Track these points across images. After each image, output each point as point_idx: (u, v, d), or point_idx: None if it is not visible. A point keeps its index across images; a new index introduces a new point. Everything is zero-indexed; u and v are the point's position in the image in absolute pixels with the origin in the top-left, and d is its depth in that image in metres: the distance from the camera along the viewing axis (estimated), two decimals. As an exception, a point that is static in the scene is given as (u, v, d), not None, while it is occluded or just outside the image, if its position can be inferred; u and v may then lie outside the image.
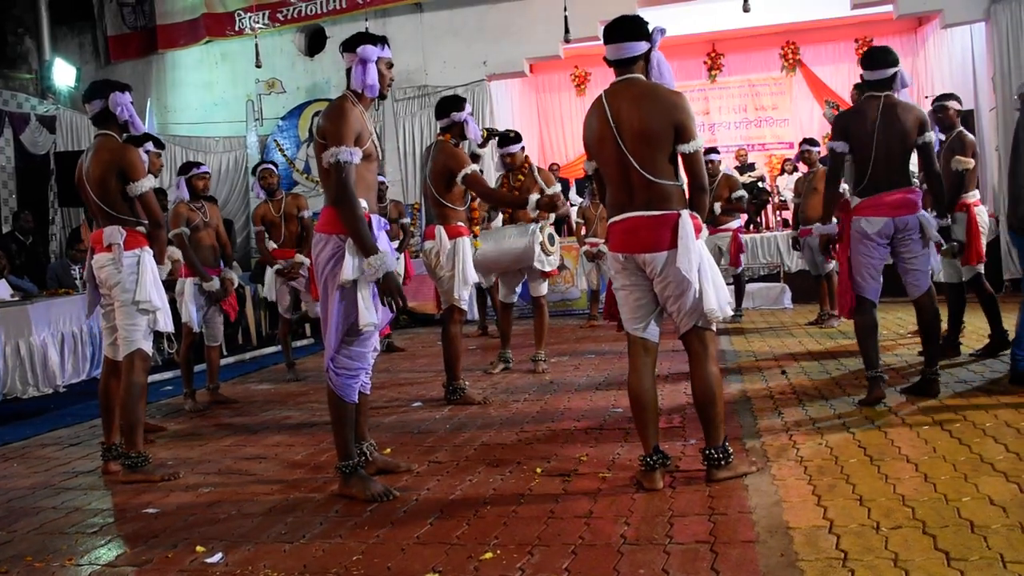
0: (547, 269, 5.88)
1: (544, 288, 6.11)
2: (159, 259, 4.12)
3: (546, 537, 2.75)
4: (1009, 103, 8.78)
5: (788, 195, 10.39)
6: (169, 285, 4.28)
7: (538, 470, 3.53)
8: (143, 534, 3.12)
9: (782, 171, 12.24)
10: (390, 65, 3.52)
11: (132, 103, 4.04)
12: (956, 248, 5.20)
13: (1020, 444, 3.35)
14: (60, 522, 3.36)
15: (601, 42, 3.32)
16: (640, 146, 3.11)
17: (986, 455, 3.24)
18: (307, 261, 6.37)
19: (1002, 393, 4.27)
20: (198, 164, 5.93)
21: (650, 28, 3.21)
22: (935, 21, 10.53)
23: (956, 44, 10.45)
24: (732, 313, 3.40)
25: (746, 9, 9.55)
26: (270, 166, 6.60)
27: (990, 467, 3.09)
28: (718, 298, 3.12)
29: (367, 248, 3.16)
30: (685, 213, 3.12)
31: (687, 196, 3.22)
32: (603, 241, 8.16)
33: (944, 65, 10.98)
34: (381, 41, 3.49)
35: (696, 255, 3.06)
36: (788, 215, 10.66)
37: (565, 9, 9.60)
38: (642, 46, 3.18)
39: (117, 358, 4.03)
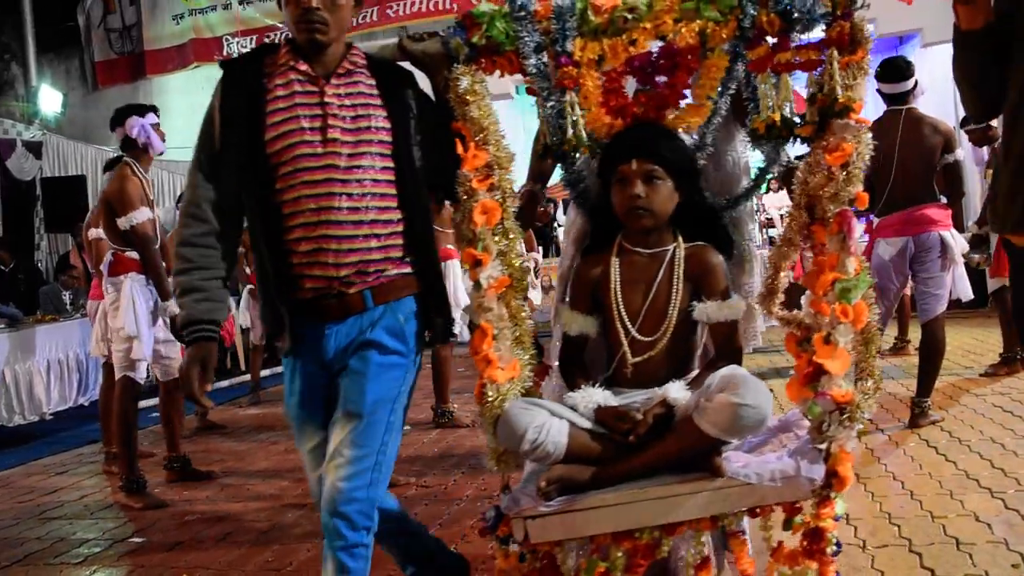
0: (537, 302, 5.99)
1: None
2: (163, 295, 4.05)
3: (534, 561, 2.74)
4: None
5: (774, 213, 10.46)
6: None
7: (527, 493, 3.52)
8: (129, 564, 3.09)
9: (767, 189, 12.29)
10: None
11: (154, 124, 4.08)
12: (988, 259, 4.93)
13: (1005, 460, 3.37)
14: (45, 552, 3.33)
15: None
16: None
17: (971, 471, 3.26)
18: None
19: (987, 409, 4.30)
20: None
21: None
22: (915, 39, 10.68)
23: (937, 62, 10.58)
24: None
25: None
26: None
27: (975, 483, 3.11)
28: None
29: None
30: None
31: None
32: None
33: (924, 80, 11.08)
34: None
35: None
36: (775, 232, 10.71)
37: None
38: None
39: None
